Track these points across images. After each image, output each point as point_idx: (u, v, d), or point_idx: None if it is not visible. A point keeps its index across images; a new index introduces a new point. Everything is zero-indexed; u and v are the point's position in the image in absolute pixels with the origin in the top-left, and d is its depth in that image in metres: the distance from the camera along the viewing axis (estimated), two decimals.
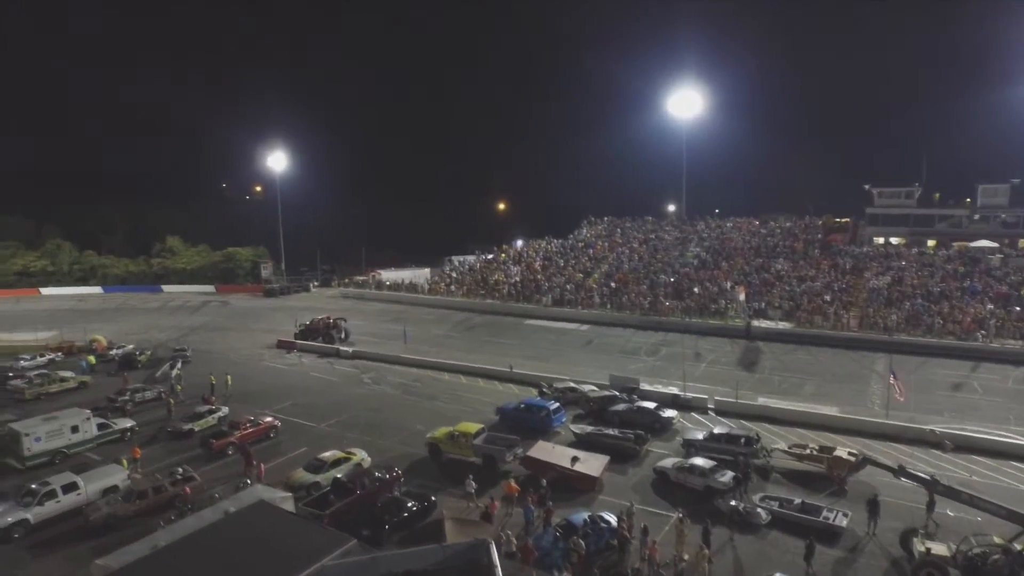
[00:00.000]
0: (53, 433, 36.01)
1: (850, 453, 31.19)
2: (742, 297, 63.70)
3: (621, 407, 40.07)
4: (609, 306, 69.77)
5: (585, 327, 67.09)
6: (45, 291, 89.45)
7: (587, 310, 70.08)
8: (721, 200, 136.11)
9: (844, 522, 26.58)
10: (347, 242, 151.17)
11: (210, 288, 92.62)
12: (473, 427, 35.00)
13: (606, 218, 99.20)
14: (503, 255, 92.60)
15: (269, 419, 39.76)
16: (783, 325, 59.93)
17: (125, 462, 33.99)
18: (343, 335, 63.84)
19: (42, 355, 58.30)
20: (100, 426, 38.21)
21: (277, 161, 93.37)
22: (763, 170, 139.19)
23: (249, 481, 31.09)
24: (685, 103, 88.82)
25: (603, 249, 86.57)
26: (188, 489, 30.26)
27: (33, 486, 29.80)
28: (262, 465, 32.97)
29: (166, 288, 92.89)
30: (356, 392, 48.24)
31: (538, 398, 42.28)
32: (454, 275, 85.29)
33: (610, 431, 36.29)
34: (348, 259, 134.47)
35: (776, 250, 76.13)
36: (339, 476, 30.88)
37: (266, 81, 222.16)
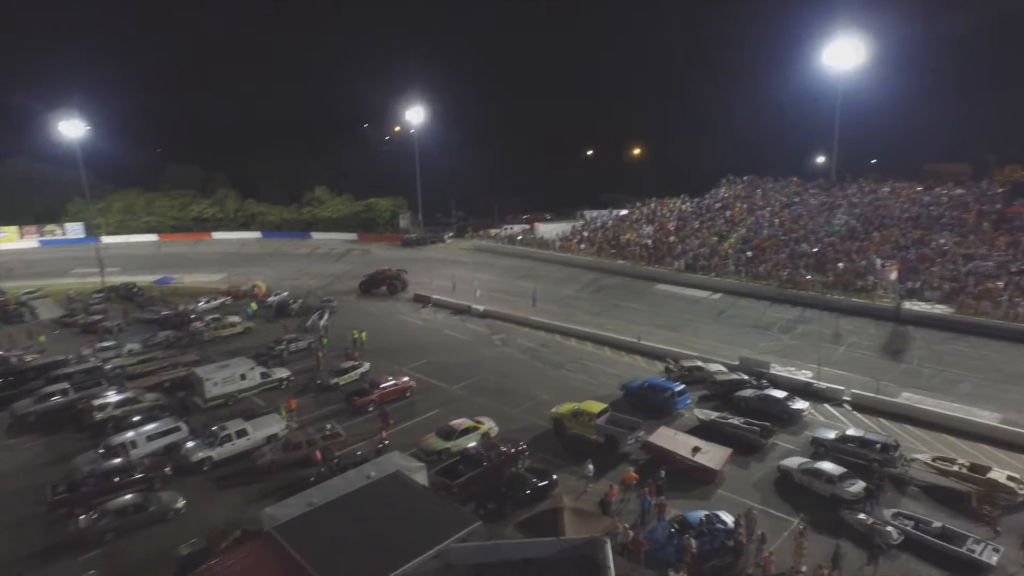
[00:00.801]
0: (227, 380, 41.19)
1: (1010, 478, 28.24)
2: (894, 276, 58.63)
3: (748, 393, 39.21)
4: (744, 275, 66.93)
5: (717, 296, 65.03)
6: (216, 235, 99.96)
7: (720, 278, 67.57)
8: (880, 150, 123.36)
9: (994, 559, 24.06)
10: (480, 190, 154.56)
11: (353, 236, 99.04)
12: (597, 406, 35.80)
13: (745, 177, 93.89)
14: (636, 212, 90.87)
15: (406, 379, 42.78)
16: (940, 309, 54.47)
17: (283, 412, 38.32)
18: (403, 286, 70.13)
19: (215, 298, 65.71)
20: (262, 375, 43.05)
21: (415, 114, 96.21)
22: (928, 120, 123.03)
23: (387, 442, 34.04)
24: (843, 52, 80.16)
25: (741, 212, 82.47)
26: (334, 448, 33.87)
27: (214, 428, 34.57)
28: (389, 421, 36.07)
29: (314, 235, 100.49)
30: (486, 354, 50.47)
31: (662, 378, 42.14)
32: (585, 233, 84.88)
33: (735, 420, 35.75)
34: (481, 208, 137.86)
35: (940, 221, 68.86)
36: (469, 446, 32.99)
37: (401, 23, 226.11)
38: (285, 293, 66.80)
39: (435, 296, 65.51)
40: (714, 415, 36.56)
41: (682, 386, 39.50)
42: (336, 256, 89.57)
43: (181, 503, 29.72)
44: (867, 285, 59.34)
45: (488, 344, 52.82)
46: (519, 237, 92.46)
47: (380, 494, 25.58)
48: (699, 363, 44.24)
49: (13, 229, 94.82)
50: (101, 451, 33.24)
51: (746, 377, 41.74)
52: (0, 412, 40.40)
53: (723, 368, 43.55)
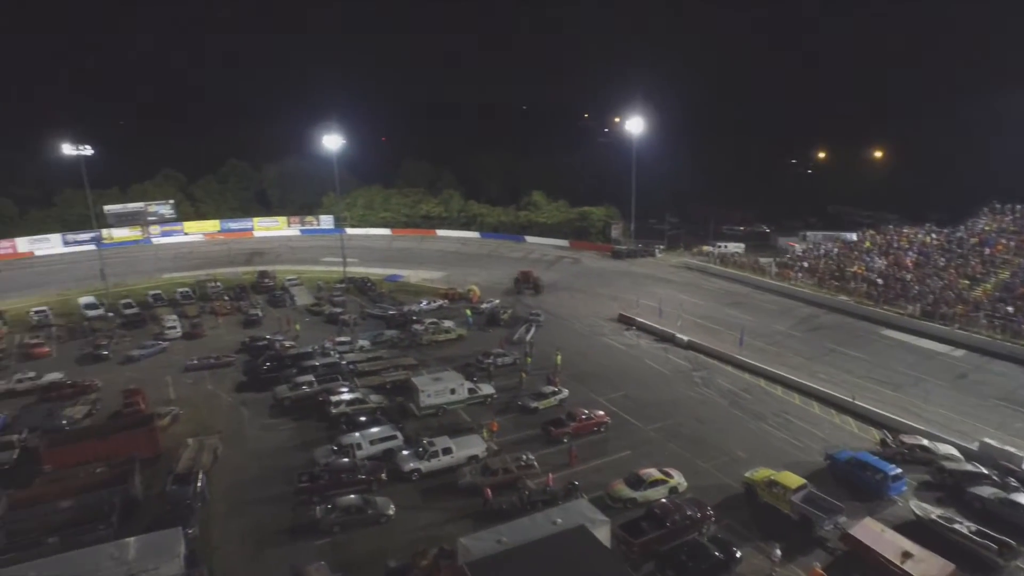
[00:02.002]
0: (439, 392, 45.46)
1: None
2: None
3: (988, 493, 34.20)
4: (1000, 331, 57.82)
5: (960, 353, 57.08)
6: (440, 232, 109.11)
7: (966, 331, 59.14)
8: None
9: None
10: (696, 194, 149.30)
11: (564, 243, 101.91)
12: (795, 480, 33.88)
13: (1019, 207, 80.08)
14: (868, 242, 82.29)
15: (601, 413, 43.82)
16: None
17: (486, 433, 41.46)
18: (534, 289, 76.59)
19: (434, 300, 72.07)
20: (470, 390, 46.77)
21: (634, 124, 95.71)
22: None
23: (577, 483, 35.40)
24: None
25: (1006, 250, 70.84)
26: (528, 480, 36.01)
27: (425, 442, 38.59)
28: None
29: (528, 239, 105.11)
30: (685, 393, 49.69)
31: (876, 453, 38.33)
32: (805, 264, 78.82)
33: (964, 525, 31.38)
34: (696, 216, 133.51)
35: None
36: (654, 503, 33.14)
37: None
38: (496, 301, 71.17)
39: (639, 319, 65.48)
40: (936, 513, 32.55)
41: (898, 469, 35.65)
42: (547, 263, 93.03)
43: (392, 510, 33.79)
44: None
45: (688, 382, 51.90)
46: (731, 254, 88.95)
47: (565, 547, 26.93)
48: (924, 441, 39.51)
49: (283, 219, 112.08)
50: (334, 448, 38.81)
51: (986, 471, 36.42)
52: (264, 392, 48.80)
53: (956, 453, 38.49)
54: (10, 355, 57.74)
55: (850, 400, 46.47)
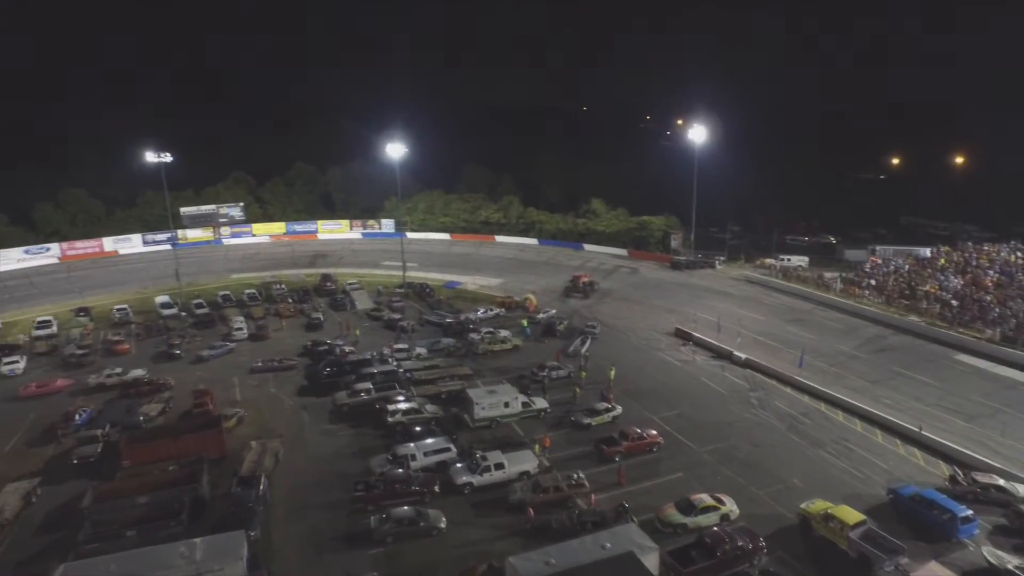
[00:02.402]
0: (493, 405, 46.08)
1: None
2: None
3: None
4: None
5: None
6: (498, 239, 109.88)
7: None
8: None
9: None
10: (759, 200, 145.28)
11: (623, 252, 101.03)
12: (853, 516, 32.90)
13: None
14: (943, 259, 78.65)
15: (654, 432, 43.51)
16: None
17: (538, 448, 41.82)
18: (583, 294, 79.38)
19: (491, 308, 72.81)
20: (523, 404, 47.19)
21: (697, 133, 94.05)
22: None
23: (628, 505, 35.33)
24: None
25: None
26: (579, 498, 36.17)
27: (478, 456, 39.21)
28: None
29: (587, 247, 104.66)
30: (741, 414, 48.77)
31: (944, 491, 36.68)
32: (872, 282, 75.92)
33: None
34: (759, 224, 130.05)
35: None
36: (705, 530, 32.78)
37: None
38: (553, 311, 71.42)
39: (697, 334, 64.53)
40: (1013, 563, 30.92)
41: (969, 511, 34.02)
42: (604, 272, 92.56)
43: (443, 523, 34.52)
44: None
45: (744, 402, 50.92)
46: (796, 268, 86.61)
47: (613, 573, 27.08)
48: (1001, 481, 37.62)
49: (346, 222, 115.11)
50: (389, 457, 39.88)
51: None
52: (324, 397, 50.47)
53: None
54: (96, 351, 61.40)
55: (917, 430, 44.69)
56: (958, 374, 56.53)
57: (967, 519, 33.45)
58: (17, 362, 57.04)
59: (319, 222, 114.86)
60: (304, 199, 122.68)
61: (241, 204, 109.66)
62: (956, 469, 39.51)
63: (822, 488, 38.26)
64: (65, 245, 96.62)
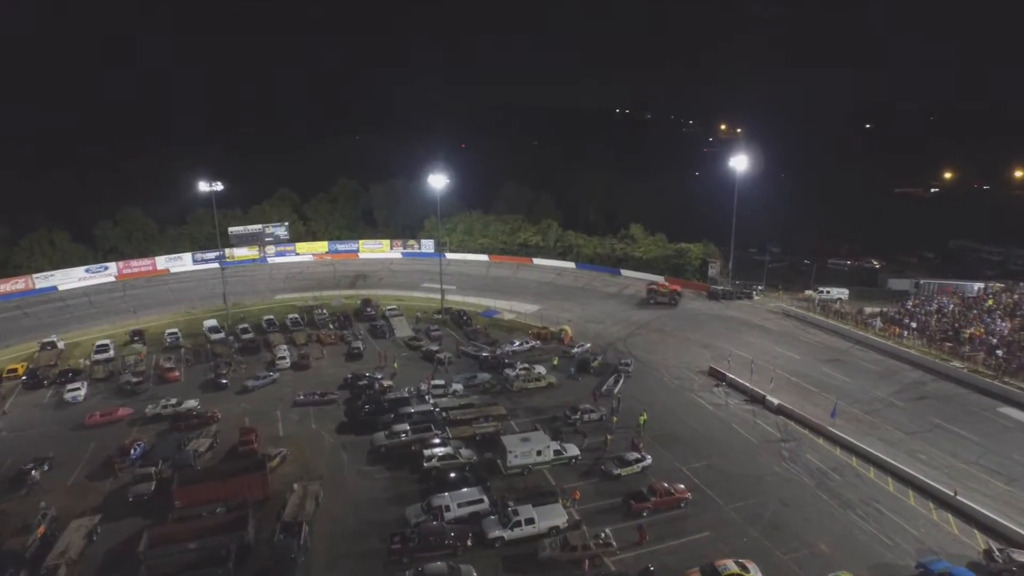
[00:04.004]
0: (525, 453, 47.26)
1: None
2: None
3: None
4: None
5: None
6: (536, 261, 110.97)
7: None
8: None
9: None
10: (800, 220, 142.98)
11: (660, 279, 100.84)
12: None
13: None
14: (991, 299, 76.76)
15: (682, 487, 44.11)
16: None
17: (567, 501, 42.83)
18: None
19: (527, 341, 73.93)
20: (555, 452, 48.23)
21: (739, 162, 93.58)
22: None
23: (652, 568, 36.16)
24: None
25: None
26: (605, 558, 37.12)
27: (509, 510, 40.41)
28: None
29: (624, 272, 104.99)
30: (771, 468, 48.88)
31: (976, 571, 36.45)
32: (912, 324, 74.63)
33: None
34: (800, 245, 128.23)
35: None
36: None
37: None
38: (587, 345, 72.28)
39: (730, 375, 64.58)
40: None
41: None
42: (640, 300, 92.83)
43: None
44: None
45: (775, 454, 50.99)
46: (835, 304, 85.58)
47: None
48: None
49: (386, 242, 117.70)
50: (424, 507, 41.37)
51: None
52: (363, 436, 52.33)
53: None
54: (148, 377, 64.64)
55: (952, 495, 44.19)
56: (1000, 429, 55.44)
57: None
58: (79, 389, 60.47)
59: (360, 241, 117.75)
60: (347, 215, 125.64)
61: (286, 224, 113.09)
62: (991, 543, 39.09)
63: (849, 555, 38.50)
64: (122, 264, 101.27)
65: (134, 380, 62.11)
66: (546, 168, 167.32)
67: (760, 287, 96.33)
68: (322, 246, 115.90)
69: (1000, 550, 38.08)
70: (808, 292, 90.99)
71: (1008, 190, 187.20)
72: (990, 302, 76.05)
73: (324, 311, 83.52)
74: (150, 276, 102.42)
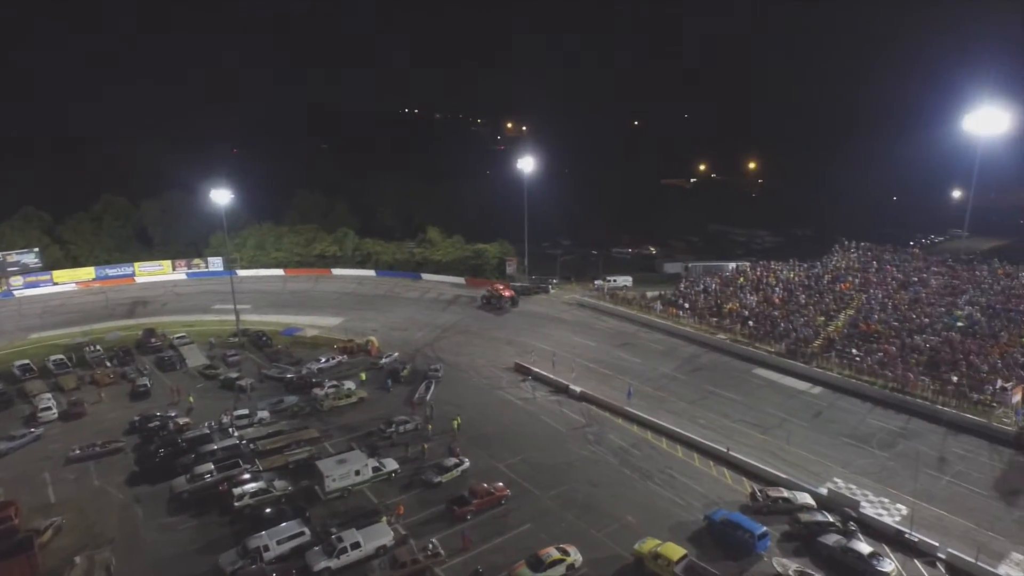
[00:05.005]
0: (343, 475, 46.07)
1: None
2: (1016, 399, 55.31)
3: (832, 541, 39.31)
4: (848, 367, 65.16)
5: (817, 390, 63.89)
6: (335, 271, 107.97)
7: (823, 368, 66.22)
8: None
9: None
10: (587, 219, 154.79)
11: (461, 280, 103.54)
12: (676, 551, 37.47)
13: (862, 244, 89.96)
14: (741, 277, 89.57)
15: (501, 485, 45.97)
16: None
17: (393, 517, 42.66)
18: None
19: (332, 357, 71.71)
20: (374, 469, 47.65)
21: (526, 163, 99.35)
22: None
23: (481, 569, 37.43)
24: (986, 120, 74.18)
25: (852, 287, 79.74)
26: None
27: (332, 538, 39.18)
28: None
29: (424, 276, 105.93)
30: (579, 453, 52.56)
31: (745, 513, 42.41)
32: (685, 304, 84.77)
33: None
34: (588, 237, 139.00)
35: None
36: None
37: None
38: (395, 355, 71.98)
39: (535, 368, 68.26)
40: (793, 567, 37.14)
41: (764, 528, 39.99)
42: (443, 303, 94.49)
43: None
44: (985, 398, 56.41)
45: (581, 439, 54.94)
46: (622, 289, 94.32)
47: None
48: (785, 493, 44.42)
49: (167, 262, 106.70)
50: (239, 551, 38.70)
51: (832, 519, 41.71)
52: (159, 484, 47.31)
53: (811, 501, 43.67)
54: None
55: (725, 451, 51.17)
56: (756, 387, 65.15)
57: (763, 535, 39.44)
58: None
59: (136, 264, 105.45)
60: (116, 236, 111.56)
61: (35, 250, 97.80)
62: (754, 487, 45.98)
63: (652, 521, 42.90)
64: None
65: None
66: (337, 174, 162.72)
67: (555, 280, 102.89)
68: (87, 272, 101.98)
69: (760, 490, 44.91)
70: (597, 282, 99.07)
71: (743, 178, 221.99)
72: (740, 280, 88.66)
73: (98, 347, 73.60)
74: None
